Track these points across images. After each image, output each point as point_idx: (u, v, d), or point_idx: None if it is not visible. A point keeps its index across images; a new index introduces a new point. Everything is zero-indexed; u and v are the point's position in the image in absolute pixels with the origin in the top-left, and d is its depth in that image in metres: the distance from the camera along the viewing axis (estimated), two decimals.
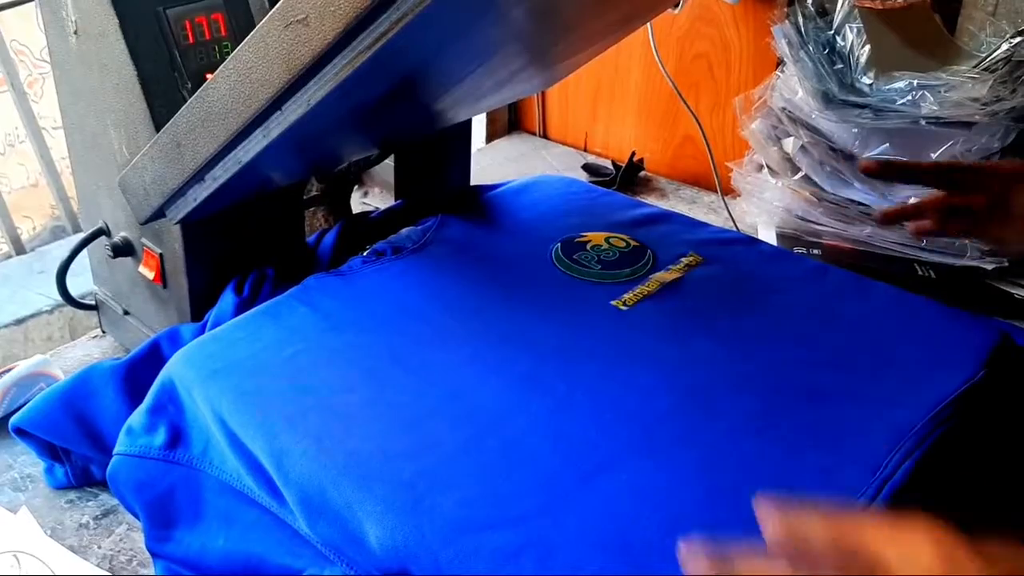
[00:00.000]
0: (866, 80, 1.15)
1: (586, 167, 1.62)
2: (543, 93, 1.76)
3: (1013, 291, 1.15)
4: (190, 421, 0.71)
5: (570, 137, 1.77)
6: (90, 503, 0.85)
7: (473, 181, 1.18)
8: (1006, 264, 1.14)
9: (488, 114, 1.77)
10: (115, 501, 0.83)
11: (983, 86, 1.10)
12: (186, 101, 0.71)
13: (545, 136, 1.81)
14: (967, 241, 1.14)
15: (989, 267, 1.14)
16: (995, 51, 1.16)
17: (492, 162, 1.69)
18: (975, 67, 1.16)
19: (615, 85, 1.64)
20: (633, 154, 1.58)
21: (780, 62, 1.25)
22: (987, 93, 1.10)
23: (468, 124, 1.14)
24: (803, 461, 0.61)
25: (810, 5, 1.22)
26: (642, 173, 1.60)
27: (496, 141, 1.80)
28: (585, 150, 1.74)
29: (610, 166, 1.61)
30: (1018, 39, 1.15)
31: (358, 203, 1.44)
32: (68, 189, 1.61)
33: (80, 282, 1.08)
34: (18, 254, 1.41)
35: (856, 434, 0.64)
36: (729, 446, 0.63)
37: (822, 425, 0.65)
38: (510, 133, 1.83)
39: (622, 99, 1.64)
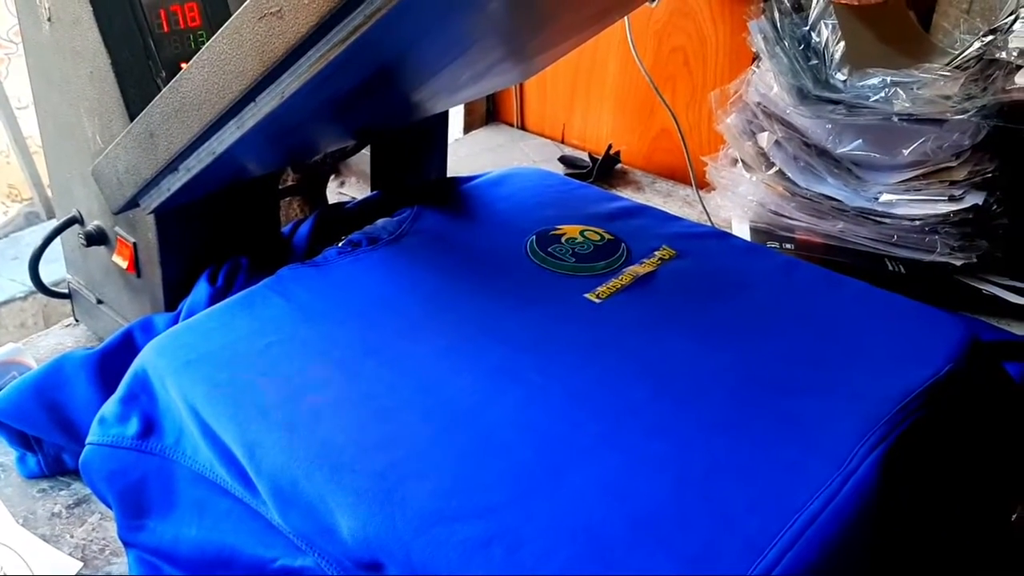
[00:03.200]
0: (840, 76, 1.16)
1: (563, 159, 1.63)
2: (521, 85, 1.76)
3: (981, 287, 1.17)
4: (163, 411, 0.71)
5: (547, 129, 1.77)
6: (62, 492, 0.85)
7: (450, 172, 1.18)
8: (974, 260, 1.16)
9: (465, 105, 1.77)
10: (87, 490, 0.83)
11: (955, 84, 1.11)
12: (160, 90, 0.71)
13: (522, 127, 1.81)
14: (936, 237, 1.15)
15: (958, 263, 1.15)
16: (967, 49, 1.18)
17: (469, 153, 1.69)
18: (948, 64, 1.17)
19: (592, 78, 1.65)
20: (610, 147, 1.58)
21: (756, 57, 1.26)
22: (959, 91, 1.11)
23: (445, 115, 1.14)
24: (770, 454, 0.62)
25: (786, 1, 1.23)
26: (618, 166, 1.61)
27: (473, 132, 1.80)
28: (562, 142, 1.74)
29: (587, 158, 1.61)
30: (990, 37, 1.16)
31: (334, 193, 1.44)
32: (42, 174, 1.60)
33: (54, 269, 1.07)
34: None
35: (823, 427, 0.65)
36: (698, 439, 0.64)
37: (790, 418, 0.66)
38: (487, 124, 1.83)
39: (599, 92, 1.65)
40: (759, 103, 1.23)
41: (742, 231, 1.26)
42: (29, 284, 1.04)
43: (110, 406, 0.73)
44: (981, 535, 0.77)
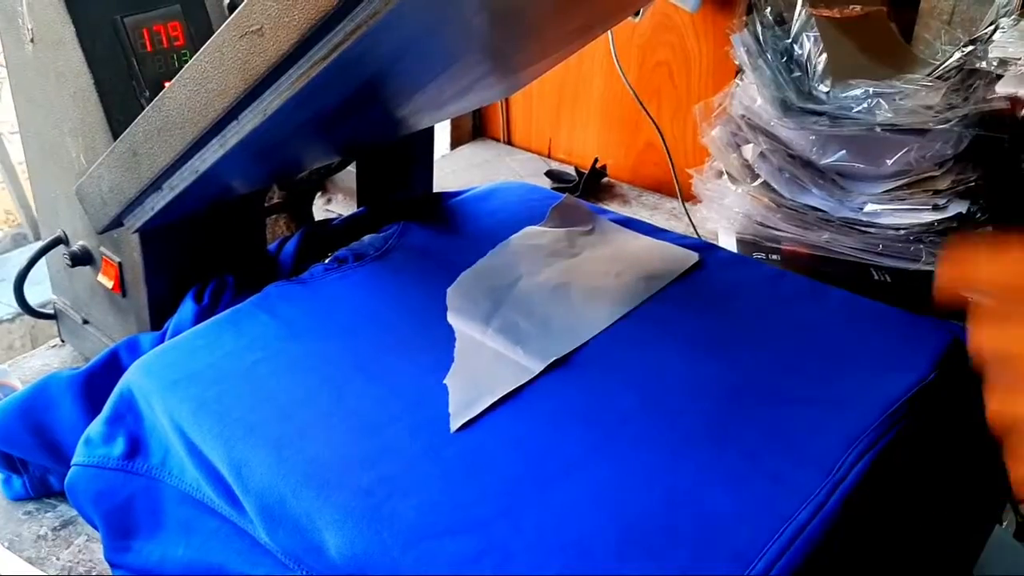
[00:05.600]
0: (823, 88, 1.17)
1: (549, 173, 1.63)
2: (507, 100, 1.77)
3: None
4: (149, 431, 0.71)
5: (534, 143, 1.77)
6: (48, 514, 0.85)
7: (437, 187, 1.18)
8: None
9: (452, 120, 1.77)
10: (74, 512, 0.82)
11: (936, 94, 1.12)
12: (144, 109, 0.71)
13: (509, 142, 1.81)
14: (921, 246, 1.15)
15: None
16: (948, 59, 1.19)
17: (456, 168, 1.70)
18: (929, 75, 1.18)
19: (578, 92, 1.65)
20: (596, 161, 1.59)
21: (739, 70, 1.27)
22: (940, 101, 1.12)
23: (431, 131, 1.14)
24: (758, 464, 0.62)
25: (768, 14, 1.24)
26: (605, 180, 1.62)
27: (460, 147, 1.80)
28: (549, 156, 1.75)
29: (573, 173, 1.62)
30: (970, 47, 1.17)
31: (321, 210, 1.44)
32: (29, 196, 1.60)
33: (41, 290, 1.07)
34: None
35: (811, 437, 0.65)
36: (686, 449, 0.64)
37: (777, 428, 0.66)
38: (474, 139, 1.84)
39: (585, 106, 1.65)
40: (743, 115, 1.24)
41: (728, 243, 1.26)
42: (17, 306, 1.03)
43: (96, 427, 0.73)
44: (969, 541, 0.77)
